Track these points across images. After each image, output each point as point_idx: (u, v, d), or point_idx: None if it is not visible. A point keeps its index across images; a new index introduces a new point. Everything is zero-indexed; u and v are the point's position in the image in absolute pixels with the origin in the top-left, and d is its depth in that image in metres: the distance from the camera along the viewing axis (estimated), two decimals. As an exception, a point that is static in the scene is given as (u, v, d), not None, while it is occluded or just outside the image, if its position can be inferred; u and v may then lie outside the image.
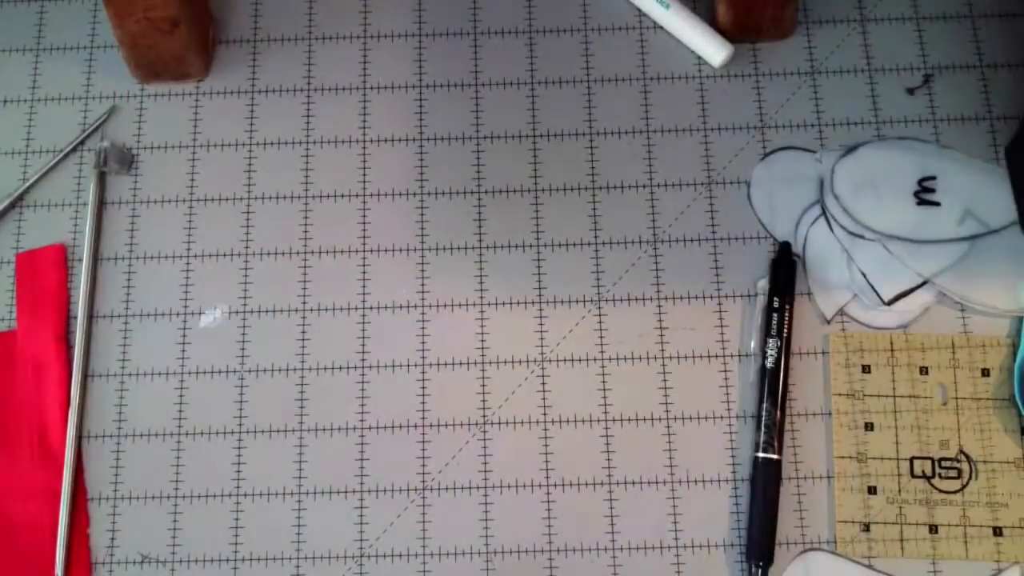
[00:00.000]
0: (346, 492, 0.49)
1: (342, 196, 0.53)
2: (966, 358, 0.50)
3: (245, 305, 0.52)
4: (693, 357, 0.50)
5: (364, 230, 0.53)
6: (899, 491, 0.48)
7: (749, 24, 0.54)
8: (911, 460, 0.48)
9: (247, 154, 0.54)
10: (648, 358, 0.50)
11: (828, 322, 0.51)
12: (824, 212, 0.52)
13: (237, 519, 0.49)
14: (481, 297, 0.52)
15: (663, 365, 0.50)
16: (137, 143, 0.55)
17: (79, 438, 0.50)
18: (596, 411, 0.50)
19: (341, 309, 0.52)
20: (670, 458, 0.49)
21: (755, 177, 0.53)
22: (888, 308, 0.50)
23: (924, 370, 0.49)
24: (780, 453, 0.48)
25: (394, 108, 0.55)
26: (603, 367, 0.50)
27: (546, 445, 0.49)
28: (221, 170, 0.54)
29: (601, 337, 0.51)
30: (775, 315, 0.50)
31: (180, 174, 0.54)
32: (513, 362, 0.51)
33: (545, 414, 0.50)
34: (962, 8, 0.56)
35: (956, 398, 0.49)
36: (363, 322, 0.51)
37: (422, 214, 0.53)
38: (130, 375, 0.51)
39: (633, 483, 0.49)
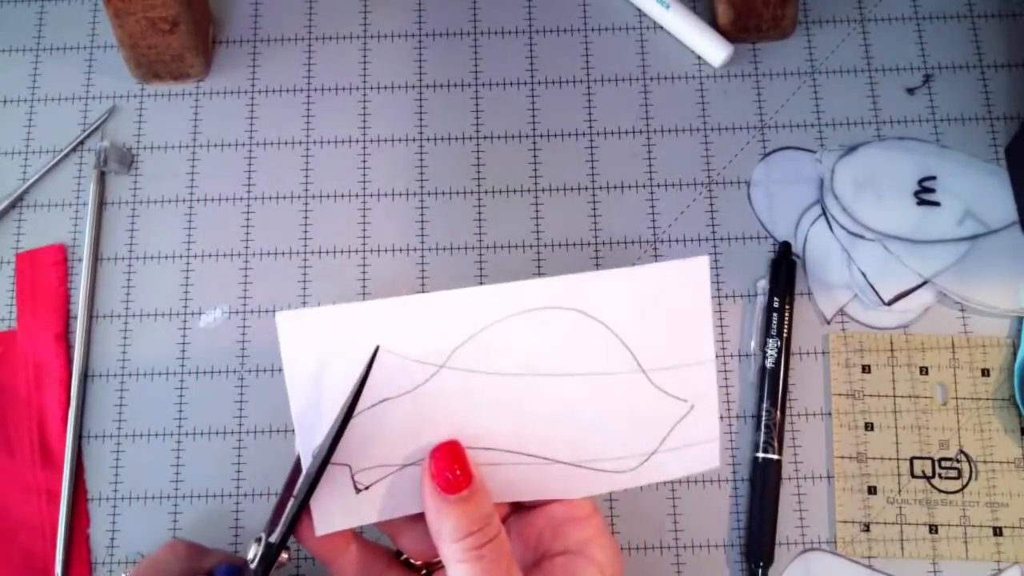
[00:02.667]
0: (346, 492, 0.49)
1: (342, 196, 0.53)
2: (966, 358, 0.50)
3: (245, 305, 0.52)
4: (693, 357, 0.50)
5: (364, 230, 0.53)
6: (899, 491, 0.48)
7: (749, 24, 0.54)
8: (911, 460, 0.48)
9: (247, 154, 0.54)
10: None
11: (828, 322, 0.51)
12: (824, 212, 0.52)
13: (237, 519, 0.49)
14: (481, 297, 0.52)
15: (663, 365, 0.50)
16: (137, 143, 0.55)
17: (79, 438, 0.50)
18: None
19: (341, 309, 0.52)
20: (670, 458, 0.49)
21: (755, 177, 0.53)
22: (888, 308, 0.50)
23: (924, 370, 0.50)
24: (780, 453, 0.48)
25: (394, 108, 0.55)
26: (603, 367, 0.50)
27: (546, 445, 0.49)
28: (221, 170, 0.54)
29: (601, 337, 0.51)
30: (775, 315, 0.50)
31: (180, 174, 0.54)
32: (513, 362, 0.51)
33: (545, 414, 0.50)
34: (962, 8, 0.56)
35: (956, 398, 0.49)
36: (363, 322, 0.51)
37: (422, 214, 0.53)
38: (130, 375, 0.51)
39: (633, 483, 0.49)
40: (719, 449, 0.39)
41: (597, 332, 0.37)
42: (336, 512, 0.35)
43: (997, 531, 0.47)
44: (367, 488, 0.35)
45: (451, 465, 0.34)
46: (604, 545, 0.36)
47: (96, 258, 0.52)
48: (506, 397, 0.36)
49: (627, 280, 0.37)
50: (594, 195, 0.53)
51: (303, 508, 0.35)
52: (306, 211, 0.53)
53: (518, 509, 0.39)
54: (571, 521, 0.37)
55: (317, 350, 0.35)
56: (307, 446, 0.35)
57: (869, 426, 0.49)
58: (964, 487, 0.48)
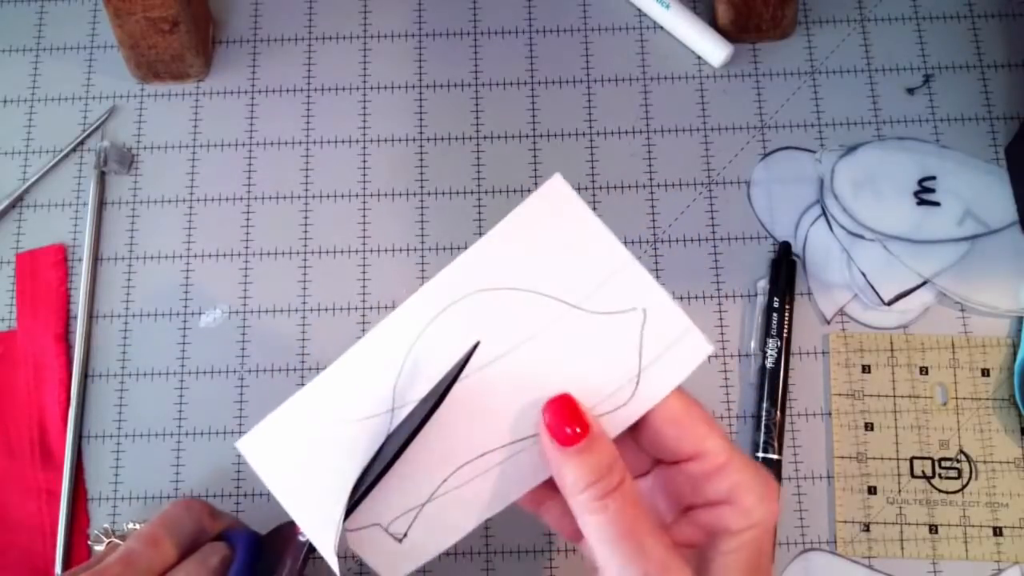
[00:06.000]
0: (346, 492, 0.49)
1: (342, 196, 0.53)
2: (966, 358, 0.50)
3: (245, 305, 0.52)
4: (693, 357, 0.50)
5: (364, 230, 0.53)
6: (899, 491, 0.48)
7: (749, 24, 0.54)
8: (911, 460, 0.48)
9: (247, 154, 0.54)
10: (648, 358, 0.50)
11: (828, 322, 0.51)
12: (824, 212, 0.52)
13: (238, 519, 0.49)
14: (481, 297, 0.52)
15: (663, 365, 0.50)
16: (137, 143, 0.55)
17: (79, 438, 0.50)
18: (596, 411, 0.50)
19: (341, 309, 0.52)
20: (670, 458, 0.49)
21: (755, 177, 0.53)
22: (888, 308, 0.50)
23: (924, 370, 0.50)
24: (780, 453, 0.48)
25: (394, 108, 0.55)
26: (603, 367, 0.50)
27: (546, 445, 0.49)
28: (221, 170, 0.54)
29: (601, 337, 0.51)
30: (775, 315, 0.50)
31: (180, 174, 0.54)
32: (513, 362, 0.51)
33: (545, 414, 0.50)
34: (962, 8, 0.56)
35: (956, 398, 0.49)
36: (363, 322, 0.51)
37: (422, 214, 0.53)
38: (130, 375, 0.51)
39: (633, 483, 0.49)
40: (702, 335, 0.36)
41: (510, 298, 0.36)
42: (394, 563, 0.36)
43: (997, 531, 0.47)
44: (406, 535, 0.36)
45: (565, 417, 0.34)
46: (750, 488, 0.35)
47: (96, 258, 0.52)
48: (471, 401, 0.36)
49: (503, 236, 0.37)
50: (594, 195, 0.53)
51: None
52: (306, 211, 0.53)
53: (659, 462, 0.38)
54: (707, 476, 0.35)
55: (287, 454, 0.36)
56: (321, 542, 0.35)
57: (869, 426, 0.49)
58: (964, 487, 0.48)
